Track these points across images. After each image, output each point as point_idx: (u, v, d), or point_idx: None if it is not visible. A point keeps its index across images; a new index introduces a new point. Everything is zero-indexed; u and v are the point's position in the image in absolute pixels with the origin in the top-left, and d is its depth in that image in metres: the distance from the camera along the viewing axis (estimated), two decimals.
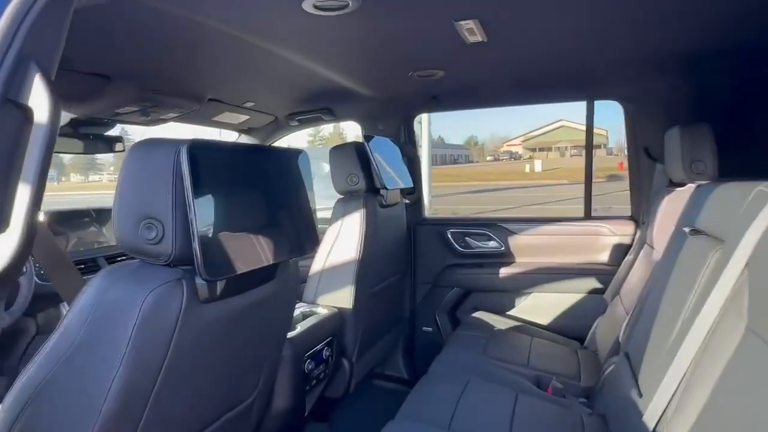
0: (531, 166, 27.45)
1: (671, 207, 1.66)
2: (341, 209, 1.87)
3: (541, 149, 40.02)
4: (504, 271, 2.33)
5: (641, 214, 2.12)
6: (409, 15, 1.20)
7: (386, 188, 1.91)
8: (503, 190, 16.01)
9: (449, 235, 2.44)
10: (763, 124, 1.80)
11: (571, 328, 2.21)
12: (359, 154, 1.88)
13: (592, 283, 2.17)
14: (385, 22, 1.26)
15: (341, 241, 1.85)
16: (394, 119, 2.36)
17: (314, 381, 1.63)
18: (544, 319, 2.26)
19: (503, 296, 2.35)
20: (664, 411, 0.89)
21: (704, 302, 0.86)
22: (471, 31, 1.28)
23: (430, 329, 2.49)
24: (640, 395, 1.01)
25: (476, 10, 1.18)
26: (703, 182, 1.53)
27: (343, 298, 1.82)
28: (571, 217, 2.33)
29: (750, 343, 0.70)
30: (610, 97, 2.03)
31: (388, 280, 2.12)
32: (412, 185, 2.25)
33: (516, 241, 2.34)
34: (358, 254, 1.81)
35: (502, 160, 41.96)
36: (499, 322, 2.17)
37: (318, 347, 1.63)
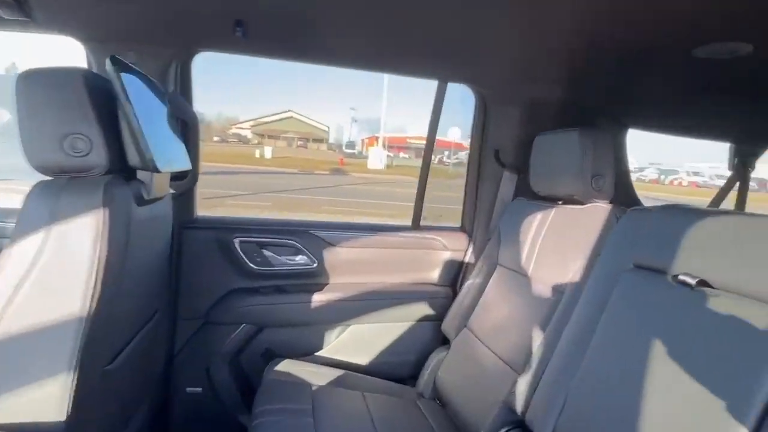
0: (261, 151, 27.00)
1: (554, 227, 1.37)
2: (44, 208, 0.86)
3: (270, 136, 40.26)
4: (317, 298, 1.68)
5: (475, 227, 1.83)
6: None
7: (153, 168, 0.97)
8: (236, 173, 14.95)
9: (237, 245, 1.62)
10: None
11: (398, 368, 1.76)
12: (93, 94, 0.90)
13: (423, 309, 1.77)
14: None
15: (44, 278, 0.83)
16: (163, 48, 1.38)
17: None
18: (366, 358, 1.74)
19: (312, 332, 1.70)
20: None
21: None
22: None
23: (198, 390, 1.61)
24: None
25: None
26: (603, 202, 1.28)
27: (40, 407, 0.83)
28: (399, 225, 1.87)
29: None
30: (467, 82, 1.63)
31: (142, 331, 1.18)
32: (190, 166, 1.33)
33: (332, 256, 1.72)
34: (84, 305, 0.85)
35: (231, 142, 40.20)
36: (314, 376, 1.51)
37: None
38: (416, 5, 1.01)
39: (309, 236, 1.69)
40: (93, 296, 0.86)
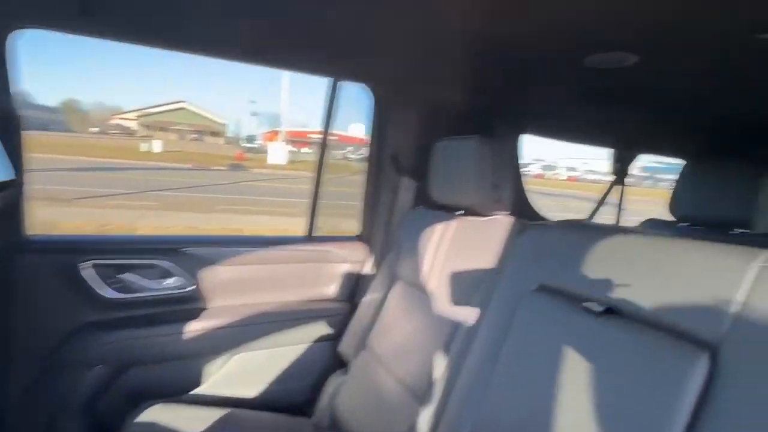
0: (149, 145, 24.66)
1: (454, 239, 1.29)
2: None
3: (160, 129, 37.02)
4: (195, 327, 1.44)
5: (374, 237, 1.71)
6: None
7: None
8: (120, 170, 13.38)
9: (87, 270, 1.32)
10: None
11: (294, 395, 1.58)
12: None
13: (320, 329, 1.61)
14: None
15: None
16: None
17: None
18: (255, 389, 1.54)
19: (190, 366, 1.46)
20: None
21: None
22: None
23: None
24: None
25: None
26: (503, 214, 1.23)
27: None
28: (290, 237, 1.69)
29: None
30: (363, 80, 1.49)
31: None
32: (13, 174, 1.03)
33: (212, 276, 1.49)
34: None
35: (112, 134, 36.20)
36: (190, 420, 1.28)
37: None
38: None
39: (182, 255, 1.44)
40: None
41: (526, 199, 1.92)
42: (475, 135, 1.21)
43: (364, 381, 1.37)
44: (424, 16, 0.92)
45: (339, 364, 1.56)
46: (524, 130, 1.73)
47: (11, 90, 1.17)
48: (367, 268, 1.69)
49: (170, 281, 1.42)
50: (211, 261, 1.49)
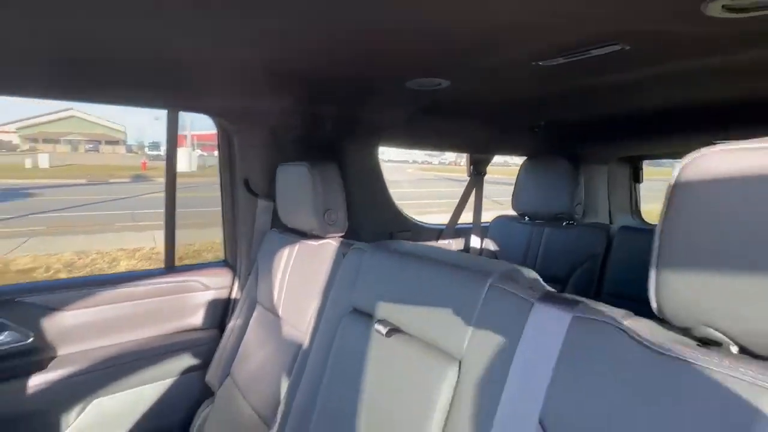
0: (34, 160, 22.22)
1: (296, 263, 1.34)
2: None
3: (46, 140, 33.39)
4: (39, 380, 1.36)
5: (238, 260, 1.71)
6: None
7: None
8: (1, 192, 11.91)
9: None
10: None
11: (158, 429, 1.55)
12: None
13: (187, 360, 1.59)
14: None
15: None
16: None
17: None
18: None
19: (36, 423, 1.37)
20: None
21: None
22: None
23: None
24: None
25: None
26: (334, 237, 1.29)
27: None
28: (148, 271, 1.63)
29: None
30: (201, 111, 1.47)
31: None
32: None
33: (57, 322, 1.41)
34: None
35: None
36: None
37: None
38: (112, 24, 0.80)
39: (15, 305, 1.35)
40: None
41: (398, 210, 2.01)
42: (305, 162, 1.26)
43: (227, 410, 1.38)
44: (252, 52, 0.94)
45: (209, 393, 1.56)
46: (377, 144, 1.81)
47: None
48: (234, 293, 1.70)
49: (1, 337, 1.32)
50: (54, 307, 1.40)
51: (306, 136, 1.58)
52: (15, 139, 33.43)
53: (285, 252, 1.39)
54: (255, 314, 1.46)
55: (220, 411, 1.40)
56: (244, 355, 1.42)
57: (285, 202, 1.39)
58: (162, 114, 1.49)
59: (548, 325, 0.63)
